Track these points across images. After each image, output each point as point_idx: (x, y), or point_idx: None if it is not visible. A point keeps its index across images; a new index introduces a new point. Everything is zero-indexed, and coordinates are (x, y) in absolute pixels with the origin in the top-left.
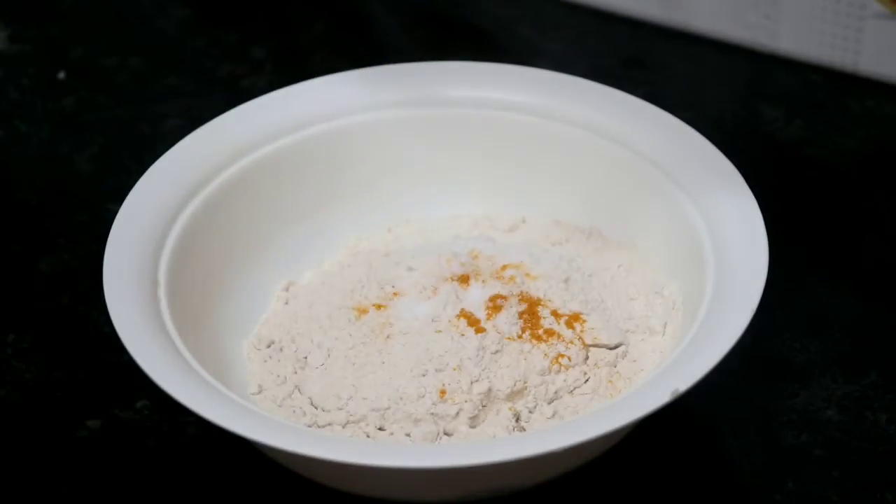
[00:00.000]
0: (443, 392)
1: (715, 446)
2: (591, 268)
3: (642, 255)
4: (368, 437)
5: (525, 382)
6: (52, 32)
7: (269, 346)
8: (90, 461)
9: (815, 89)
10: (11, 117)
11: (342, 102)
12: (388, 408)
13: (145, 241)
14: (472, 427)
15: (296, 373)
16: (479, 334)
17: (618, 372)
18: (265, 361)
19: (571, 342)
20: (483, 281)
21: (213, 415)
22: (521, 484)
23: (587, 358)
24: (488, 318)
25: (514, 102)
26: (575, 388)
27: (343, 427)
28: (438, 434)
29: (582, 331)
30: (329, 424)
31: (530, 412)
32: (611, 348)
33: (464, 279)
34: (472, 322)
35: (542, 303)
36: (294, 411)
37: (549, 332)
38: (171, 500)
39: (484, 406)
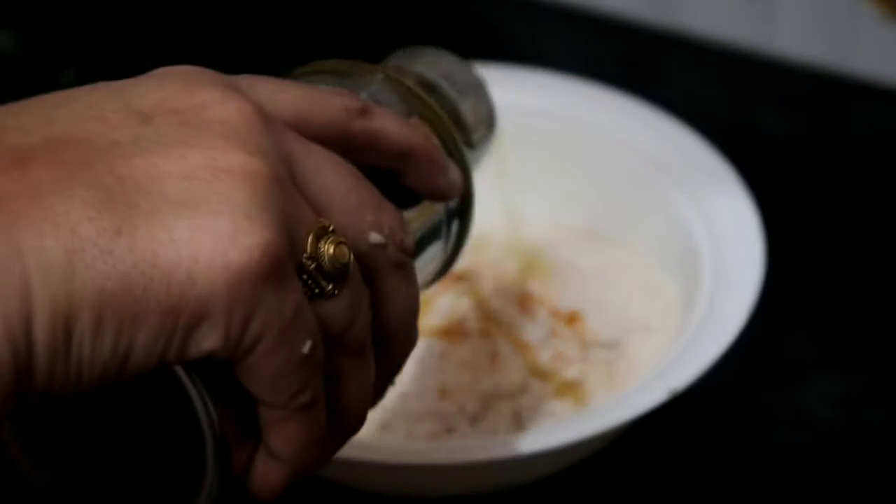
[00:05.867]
0: (444, 391)
1: (712, 444)
2: (591, 268)
3: (641, 255)
4: (370, 434)
5: (525, 381)
6: (59, 33)
7: None
8: None
9: (811, 91)
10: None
11: None
12: (390, 406)
13: None
14: (473, 425)
15: None
16: (481, 334)
17: (616, 371)
18: None
19: (570, 341)
20: (484, 281)
21: None
22: (521, 480)
23: (586, 357)
24: (489, 318)
25: (513, 103)
26: (574, 387)
27: None
28: (440, 432)
29: (581, 330)
30: None
31: (530, 410)
32: (609, 347)
33: (464, 279)
34: (473, 321)
35: (542, 302)
36: None
37: (549, 331)
38: None
39: (485, 404)
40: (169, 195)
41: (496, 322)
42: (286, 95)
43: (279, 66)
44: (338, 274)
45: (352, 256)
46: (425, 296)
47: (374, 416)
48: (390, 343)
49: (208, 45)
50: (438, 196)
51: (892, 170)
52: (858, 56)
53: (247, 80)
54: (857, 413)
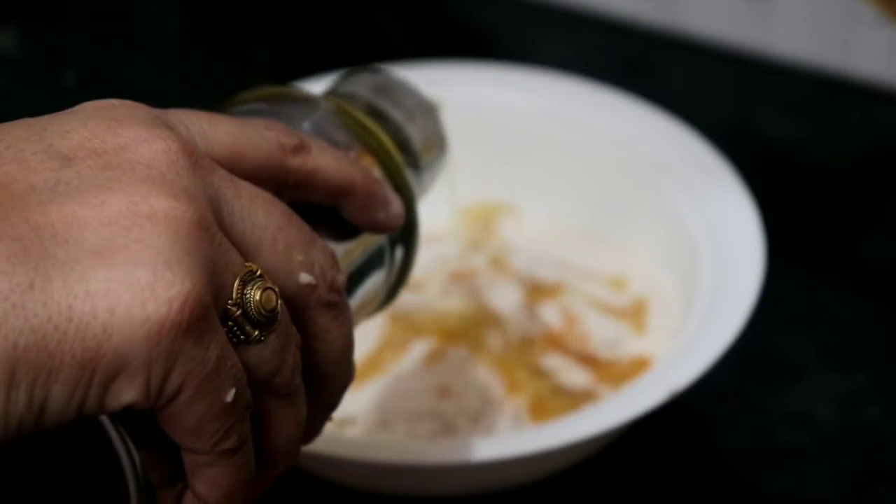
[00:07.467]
0: (444, 391)
1: (711, 443)
2: (589, 268)
3: (640, 256)
4: (370, 434)
5: (524, 380)
6: (60, 34)
7: None
8: None
9: (809, 93)
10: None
11: None
12: (390, 405)
13: None
14: (473, 425)
15: None
16: (481, 333)
17: (616, 371)
18: None
19: (570, 342)
20: (484, 281)
21: None
22: (521, 480)
23: (586, 357)
24: (489, 318)
25: (512, 104)
26: (574, 387)
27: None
28: (440, 432)
29: (580, 331)
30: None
31: (530, 409)
32: (609, 347)
33: (464, 279)
34: (473, 321)
35: (543, 301)
36: None
37: (549, 332)
38: None
39: (485, 404)
40: (86, 244)
41: (496, 321)
42: (218, 131)
43: (276, 65)
44: (264, 320)
45: (279, 302)
46: (427, 296)
47: (374, 416)
48: (324, 382)
49: (208, 45)
50: (378, 229)
51: (890, 170)
52: (857, 57)
53: (178, 115)
54: (856, 413)
